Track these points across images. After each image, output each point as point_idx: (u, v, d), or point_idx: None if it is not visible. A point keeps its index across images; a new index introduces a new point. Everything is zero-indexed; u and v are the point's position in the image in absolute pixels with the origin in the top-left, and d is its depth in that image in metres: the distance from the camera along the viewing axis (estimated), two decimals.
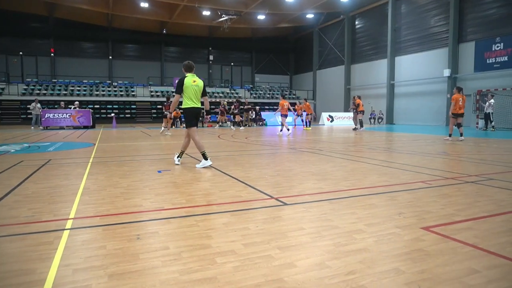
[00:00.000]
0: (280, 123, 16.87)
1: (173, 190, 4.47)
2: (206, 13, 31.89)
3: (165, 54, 38.39)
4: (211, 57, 39.88)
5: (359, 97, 19.44)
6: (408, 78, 27.47)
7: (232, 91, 36.69)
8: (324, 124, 26.59)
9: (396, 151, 9.08)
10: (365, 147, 9.91)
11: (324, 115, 27.74)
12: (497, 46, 21.49)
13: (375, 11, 30.64)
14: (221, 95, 34.94)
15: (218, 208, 3.63)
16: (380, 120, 29.42)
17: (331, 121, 27.33)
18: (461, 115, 11.92)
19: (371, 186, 4.64)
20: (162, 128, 16.65)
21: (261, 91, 38.72)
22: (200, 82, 6.40)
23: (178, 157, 6.63)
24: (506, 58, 21.00)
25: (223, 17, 31.23)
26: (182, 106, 6.46)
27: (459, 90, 12.07)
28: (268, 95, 37.28)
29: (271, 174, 5.59)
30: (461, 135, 11.96)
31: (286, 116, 16.35)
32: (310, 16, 34.83)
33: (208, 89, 36.12)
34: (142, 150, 9.58)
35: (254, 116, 25.71)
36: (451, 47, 23.75)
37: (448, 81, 24.06)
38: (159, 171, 5.86)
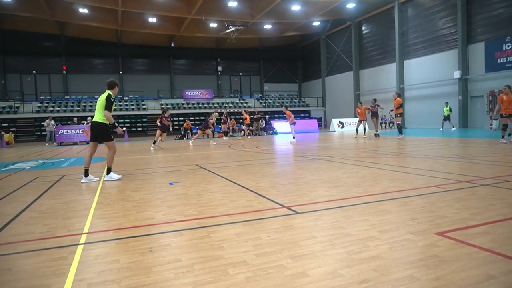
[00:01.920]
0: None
1: (185, 202, 4.49)
2: (213, 25, 32.26)
3: (174, 67, 38.86)
4: (219, 68, 40.21)
5: (399, 95, 16.31)
6: (418, 82, 27.22)
7: (242, 101, 36.86)
8: (335, 131, 26.47)
9: (408, 155, 8.97)
10: (376, 153, 9.82)
11: (335, 122, 27.62)
12: (508, 46, 21.19)
13: (382, 16, 30.59)
14: (230, 105, 35.11)
15: (229, 219, 3.63)
16: (391, 125, 29.14)
17: (342, 127, 27.18)
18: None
19: (384, 192, 4.59)
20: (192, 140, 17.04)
21: (270, 100, 38.80)
22: (102, 97, 6.50)
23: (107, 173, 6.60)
24: None
25: (230, 28, 31.56)
26: None
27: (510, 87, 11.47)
28: (278, 104, 37.33)
29: (282, 182, 5.57)
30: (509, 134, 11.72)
31: (295, 124, 16.91)
32: (316, 23, 34.95)
33: (218, 100, 36.49)
34: (153, 163, 9.66)
35: (264, 125, 25.74)
36: (460, 49, 23.50)
37: (459, 82, 23.77)
38: (171, 183, 5.90)
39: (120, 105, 32.75)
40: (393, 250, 2.63)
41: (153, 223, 3.61)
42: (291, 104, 37.88)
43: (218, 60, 40.30)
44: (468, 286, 2.05)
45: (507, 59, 21.30)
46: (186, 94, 35.09)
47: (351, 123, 27.42)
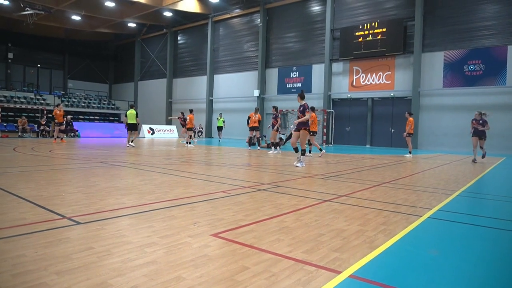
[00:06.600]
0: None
1: None
2: (4, 1, 26.93)
3: None
4: (10, 55, 33.85)
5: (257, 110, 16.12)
6: (225, 96, 29.77)
7: (38, 97, 31.88)
8: (144, 137, 26.02)
9: (208, 163, 9.64)
10: (179, 160, 10.16)
11: (145, 127, 27.20)
12: (294, 74, 25.70)
13: (197, 30, 32.18)
14: (22, 100, 29.86)
15: None
16: (200, 134, 30.75)
17: (152, 134, 26.99)
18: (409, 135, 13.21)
19: (176, 198, 4.77)
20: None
21: (75, 98, 34.99)
22: (133, 112, 12.77)
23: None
24: (300, 84, 25.29)
25: (28, 10, 27.02)
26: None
27: (411, 114, 13.28)
28: (83, 104, 34.01)
29: (71, 191, 5.08)
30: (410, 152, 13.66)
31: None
32: (132, 25, 33.79)
33: (5, 93, 30.49)
34: None
35: (65, 127, 22.92)
36: (260, 71, 27.06)
37: (258, 100, 27.24)
38: None
39: None
40: (169, 254, 2.75)
41: None
42: (99, 106, 35.12)
43: (9, 45, 33.97)
44: (225, 278, 2.34)
45: (293, 85, 25.75)
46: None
47: (161, 130, 27.60)
